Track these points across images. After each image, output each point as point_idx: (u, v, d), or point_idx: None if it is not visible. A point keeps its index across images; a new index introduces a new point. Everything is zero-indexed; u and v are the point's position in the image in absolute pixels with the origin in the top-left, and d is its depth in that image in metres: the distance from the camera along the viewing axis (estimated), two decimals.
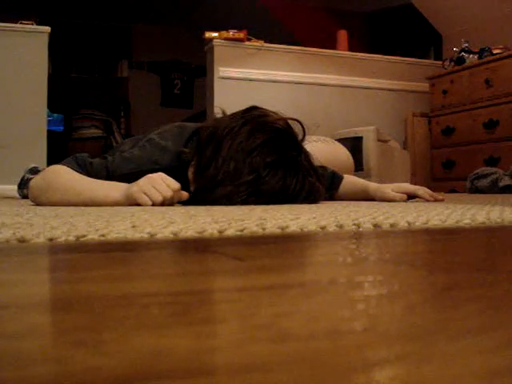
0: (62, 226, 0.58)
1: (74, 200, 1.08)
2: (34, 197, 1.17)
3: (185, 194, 1.09)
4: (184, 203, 1.11)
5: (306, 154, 1.18)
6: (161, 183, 1.05)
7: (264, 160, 1.09)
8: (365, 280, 0.32)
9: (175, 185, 1.06)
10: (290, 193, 1.11)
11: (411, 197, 1.39)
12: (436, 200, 1.36)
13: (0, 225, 0.59)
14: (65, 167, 1.15)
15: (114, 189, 1.09)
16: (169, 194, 1.04)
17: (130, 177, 1.10)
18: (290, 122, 1.19)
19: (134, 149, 1.23)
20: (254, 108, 1.21)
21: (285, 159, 1.11)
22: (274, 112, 1.20)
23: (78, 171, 1.14)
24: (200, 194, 1.11)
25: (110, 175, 1.16)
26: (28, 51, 2.96)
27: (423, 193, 1.36)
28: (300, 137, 1.19)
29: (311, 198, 1.14)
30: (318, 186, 1.17)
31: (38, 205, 1.14)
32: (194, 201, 1.10)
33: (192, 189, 1.14)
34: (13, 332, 0.20)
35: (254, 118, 1.15)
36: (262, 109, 1.21)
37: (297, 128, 1.20)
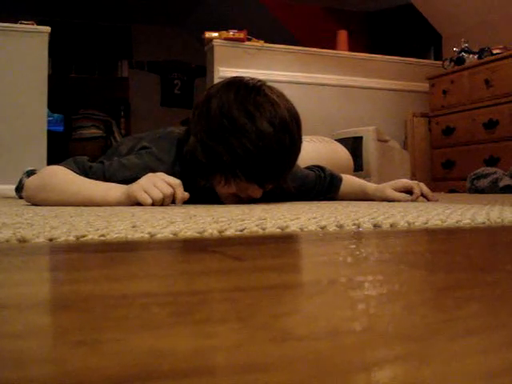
0: (62, 226, 0.58)
1: (71, 200, 1.06)
2: (30, 196, 1.15)
3: (186, 195, 1.08)
4: (188, 202, 1.10)
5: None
6: (161, 181, 1.04)
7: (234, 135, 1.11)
8: (365, 280, 0.32)
9: (175, 181, 1.06)
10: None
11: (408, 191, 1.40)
12: (429, 200, 1.37)
13: (0, 225, 0.59)
14: (62, 167, 1.13)
15: (113, 188, 1.08)
16: (169, 191, 1.04)
17: (127, 183, 1.09)
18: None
19: (131, 156, 1.22)
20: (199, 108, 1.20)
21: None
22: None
23: (77, 173, 1.13)
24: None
25: (106, 180, 1.14)
26: (28, 51, 2.96)
27: (418, 191, 1.37)
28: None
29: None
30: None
31: (35, 205, 1.13)
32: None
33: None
34: (13, 332, 0.20)
35: (203, 123, 1.16)
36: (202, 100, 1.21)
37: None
